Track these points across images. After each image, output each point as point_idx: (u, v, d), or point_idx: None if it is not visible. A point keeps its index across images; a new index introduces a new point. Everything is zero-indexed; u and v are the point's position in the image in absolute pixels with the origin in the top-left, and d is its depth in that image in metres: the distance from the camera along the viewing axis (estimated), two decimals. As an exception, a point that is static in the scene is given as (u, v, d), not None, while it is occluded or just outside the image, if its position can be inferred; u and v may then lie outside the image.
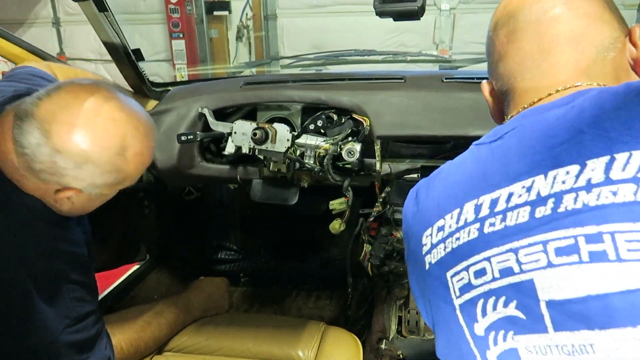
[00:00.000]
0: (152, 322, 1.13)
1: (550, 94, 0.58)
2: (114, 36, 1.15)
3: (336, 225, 1.29)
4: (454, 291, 0.55)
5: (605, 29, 0.58)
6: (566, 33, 0.58)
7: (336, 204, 1.27)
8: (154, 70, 4.77)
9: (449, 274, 0.56)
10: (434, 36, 4.84)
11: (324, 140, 1.20)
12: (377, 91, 1.22)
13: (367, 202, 1.35)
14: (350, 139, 1.19)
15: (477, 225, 0.54)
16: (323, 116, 1.23)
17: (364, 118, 1.19)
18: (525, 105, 0.60)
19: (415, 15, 0.88)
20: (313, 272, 2.02)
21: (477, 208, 0.55)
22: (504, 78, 0.64)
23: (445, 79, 1.23)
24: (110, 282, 1.69)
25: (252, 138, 1.17)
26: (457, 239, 0.55)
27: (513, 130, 0.57)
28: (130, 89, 1.34)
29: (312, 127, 1.23)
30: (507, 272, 0.50)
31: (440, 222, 0.59)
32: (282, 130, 1.17)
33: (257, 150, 1.19)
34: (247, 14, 5.24)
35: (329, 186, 1.27)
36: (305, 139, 1.21)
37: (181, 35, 5.04)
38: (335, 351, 1.16)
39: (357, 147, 1.16)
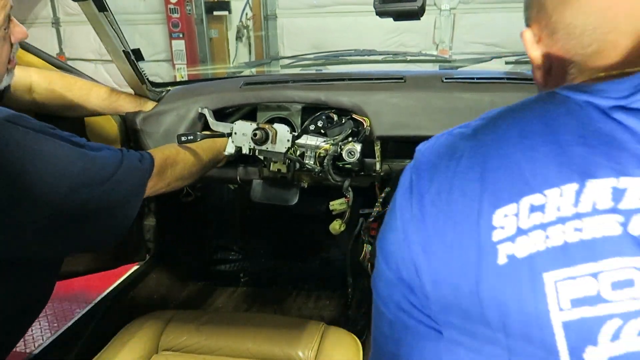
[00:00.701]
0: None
1: None
2: (114, 36, 1.15)
3: (336, 226, 1.29)
4: (557, 302, 0.39)
5: None
6: None
7: (336, 205, 1.27)
8: (154, 70, 4.78)
9: (551, 277, 0.39)
10: (434, 36, 4.84)
11: (324, 141, 1.20)
12: (377, 91, 1.22)
13: (367, 202, 1.35)
14: (350, 139, 1.19)
15: (619, 218, 0.38)
16: (323, 116, 1.23)
17: (364, 118, 1.19)
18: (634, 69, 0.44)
19: (415, 15, 0.88)
20: (313, 272, 2.03)
21: (618, 194, 0.38)
22: (573, 28, 0.47)
23: (446, 79, 1.23)
24: (110, 282, 1.69)
25: (252, 138, 1.16)
26: (578, 230, 0.39)
27: None
28: (130, 89, 1.34)
29: (312, 127, 1.23)
30: None
31: (535, 199, 0.41)
32: (282, 130, 1.17)
33: (257, 151, 1.19)
34: (247, 14, 5.24)
35: (329, 186, 1.27)
36: (305, 139, 1.21)
37: (181, 35, 5.03)
38: (335, 351, 1.16)
39: (358, 147, 1.16)
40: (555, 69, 0.51)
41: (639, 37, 0.43)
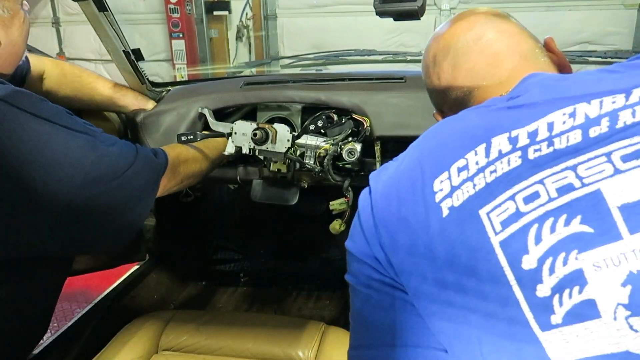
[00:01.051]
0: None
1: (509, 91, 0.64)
2: (114, 36, 1.15)
3: (336, 226, 1.29)
4: (493, 228, 0.50)
5: (531, 39, 0.71)
6: (503, 48, 0.69)
7: (336, 204, 1.27)
8: (154, 70, 4.77)
9: (484, 211, 0.51)
10: (434, 36, 4.84)
11: (324, 141, 1.20)
12: (377, 91, 1.22)
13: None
14: (350, 139, 1.19)
15: (518, 153, 0.52)
16: (323, 116, 1.23)
17: (364, 118, 1.19)
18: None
19: (415, 15, 0.88)
20: (313, 272, 2.02)
21: (513, 139, 0.53)
22: (459, 99, 0.72)
23: (446, 79, 1.23)
24: (110, 282, 1.69)
25: (252, 138, 1.16)
26: (493, 171, 0.52)
27: (527, 92, 0.59)
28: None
29: (312, 127, 1.23)
30: (566, 189, 0.48)
31: (460, 163, 0.55)
32: (282, 130, 1.17)
33: (257, 151, 1.19)
34: (247, 14, 5.24)
35: (329, 186, 1.27)
36: (305, 139, 1.21)
37: (181, 35, 5.03)
38: (335, 351, 1.16)
39: (358, 147, 1.16)
40: None
41: (491, 86, 0.69)
